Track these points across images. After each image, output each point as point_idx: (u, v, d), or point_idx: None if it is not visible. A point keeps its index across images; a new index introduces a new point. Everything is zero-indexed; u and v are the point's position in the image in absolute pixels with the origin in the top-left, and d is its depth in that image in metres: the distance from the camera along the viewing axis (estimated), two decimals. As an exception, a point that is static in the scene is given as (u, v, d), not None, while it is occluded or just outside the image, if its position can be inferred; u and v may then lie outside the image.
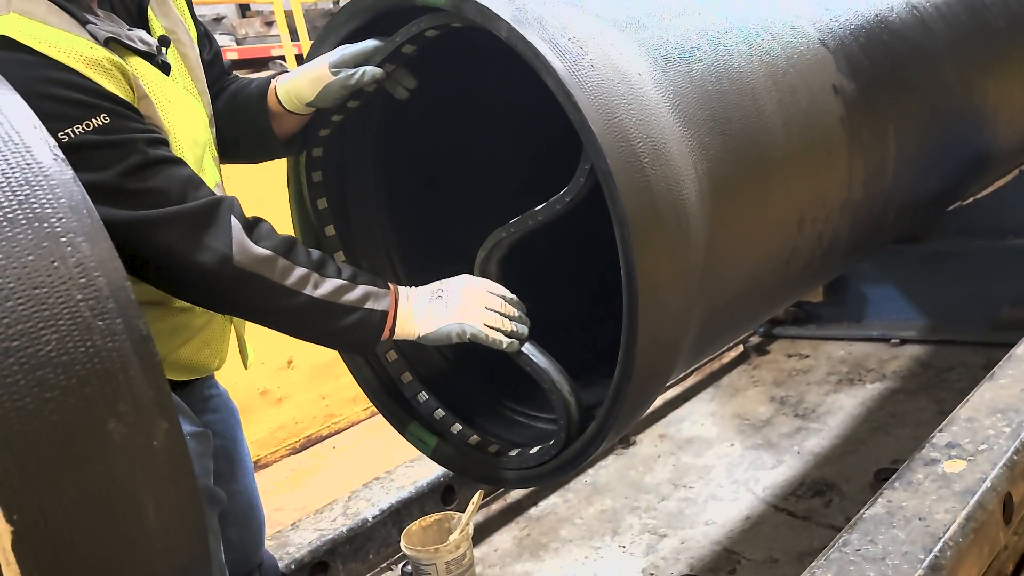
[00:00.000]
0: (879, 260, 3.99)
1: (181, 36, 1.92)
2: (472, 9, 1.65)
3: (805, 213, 2.12)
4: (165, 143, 1.69)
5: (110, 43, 1.66)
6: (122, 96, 1.62)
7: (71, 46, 1.57)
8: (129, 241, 1.53)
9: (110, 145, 1.56)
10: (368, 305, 1.74)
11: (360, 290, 1.74)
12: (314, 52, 1.96)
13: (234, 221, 1.64)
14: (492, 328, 1.79)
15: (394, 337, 1.80)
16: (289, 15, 5.80)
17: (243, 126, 2.04)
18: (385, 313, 1.75)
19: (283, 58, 7.34)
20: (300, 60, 5.71)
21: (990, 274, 3.78)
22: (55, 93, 1.52)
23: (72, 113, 1.53)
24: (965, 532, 1.82)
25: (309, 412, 4.96)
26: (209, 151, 1.92)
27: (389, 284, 1.80)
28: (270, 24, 10.25)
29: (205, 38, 2.08)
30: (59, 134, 1.49)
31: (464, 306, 1.79)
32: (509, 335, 1.81)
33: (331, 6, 10.37)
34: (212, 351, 2.00)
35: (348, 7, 1.87)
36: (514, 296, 1.84)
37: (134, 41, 1.72)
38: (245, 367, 2.17)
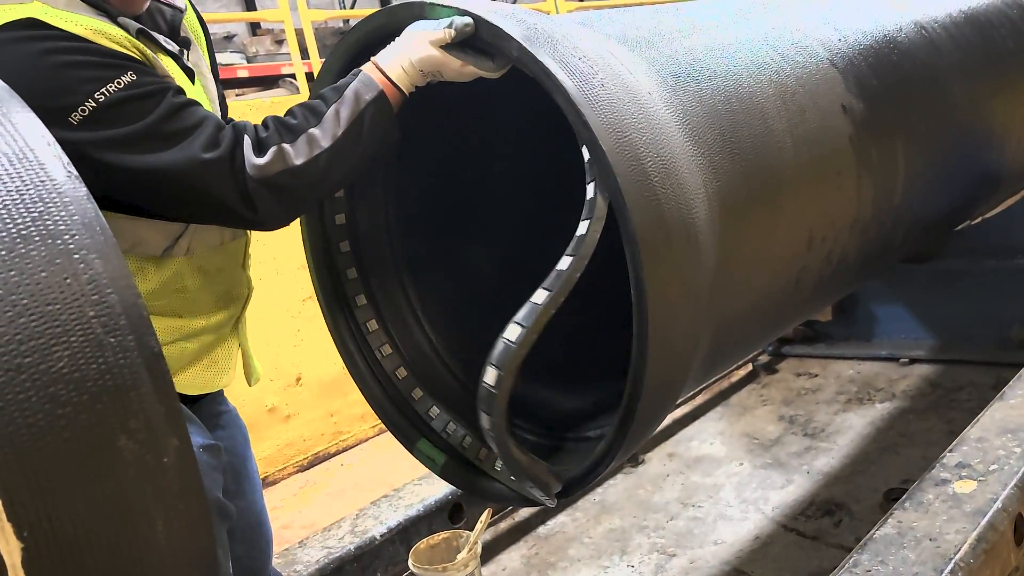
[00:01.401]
0: (888, 279, 3.98)
1: (203, 70, 2.01)
2: (483, 28, 1.65)
3: (814, 232, 2.12)
4: (182, 91, 1.75)
5: (141, 35, 1.75)
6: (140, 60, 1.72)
7: (97, 27, 1.67)
8: (174, 182, 1.65)
9: (144, 96, 1.64)
10: (365, 99, 1.73)
11: (348, 97, 1.74)
12: (324, 72, 1.97)
13: (246, 140, 1.70)
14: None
15: (401, 88, 1.77)
16: (300, 33, 5.82)
17: None
18: (381, 92, 1.74)
19: (293, 76, 7.37)
20: (310, 78, 5.73)
21: (999, 294, 3.77)
22: (81, 60, 1.61)
23: (101, 75, 1.61)
24: (976, 553, 1.81)
25: (317, 429, 4.96)
26: None
27: (369, 65, 1.79)
28: (280, 42, 10.30)
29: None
30: (95, 95, 1.59)
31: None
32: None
33: (341, 24, 10.42)
34: (220, 368, 2.01)
35: (360, 25, 1.88)
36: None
37: (162, 40, 1.81)
38: (250, 384, 2.17)
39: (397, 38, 1.78)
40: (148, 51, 1.75)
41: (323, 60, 2.00)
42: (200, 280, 1.92)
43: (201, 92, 1.91)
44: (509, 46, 1.62)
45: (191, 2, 2.11)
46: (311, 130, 1.71)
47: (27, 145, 1.04)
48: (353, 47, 1.92)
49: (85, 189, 1.06)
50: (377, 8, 3.46)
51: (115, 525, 0.98)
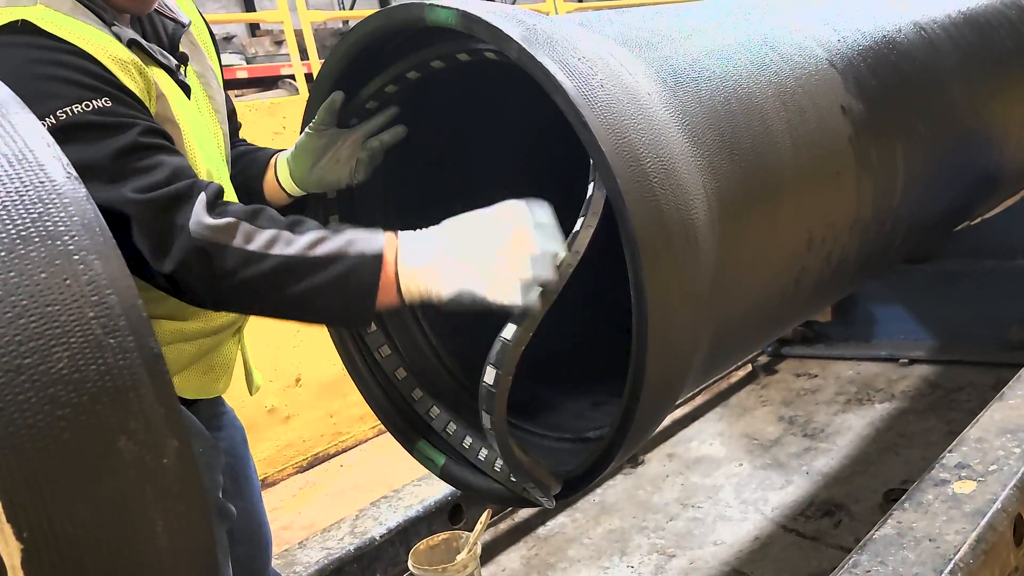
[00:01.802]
0: (888, 280, 3.99)
1: (211, 81, 1.98)
2: (482, 29, 1.65)
3: (814, 233, 2.12)
4: (165, 137, 1.65)
5: (132, 46, 1.69)
6: (134, 90, 1.64)
7: (92, 38, 1.61)
8: (115, 227, 1.47)
9: (105, 127, 1.54)
10: (355, 250, 1.49)
11: (343, 237, 1.51)
12: (323, 73, 1.97)
13: (202, 197, 1.53)
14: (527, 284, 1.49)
15: (403, 294, 1.52)
16: (299, 34, 5.83)
17: (244, 182, 2.05)
18: (379, 256, 1.49)
19: (292, 77, 7.38)
20: (309, 79, 5.74)
21: (999, 294, 3.77)
22: (62, 74, 1.54)
23: (73, 93, 1.53)
24: (976, 553, 1.81)
25: (316, 430, 4.96)
26: (227, 188, 1.91)
27: (386, 232, 1.55)
28: (280, 43, 10.31)
29: (225, 90, 2.12)
30: (57, 112, 1.50)
31: (497, 264, 1.49)
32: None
33: (341, 25, 10.43)
34: (216, 375, 2.00)
35: (359, 27, 1.88)
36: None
37: (155, 52, 1.76)
38: (251, 393, 2.17)
39: (459, 225, 1.52)
40: (140, 62, 1.68)
41: (322, 61, 2.00)
42: None
43: (194, 109, 1.86)
44: (509, 46, 1.62)
45: (202, 15, 2.10)
46: (282, 231, 1.51)
47: (27, 146, 1.04)
48: (352, 48, 1.91)
49: (85, 190, 1.06)
50: (376, 9, 3.47)
51: (115, 526, 0.98)
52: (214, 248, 1.49)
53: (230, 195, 1.93)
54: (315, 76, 2.02)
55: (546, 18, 1.77)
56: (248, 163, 2.09)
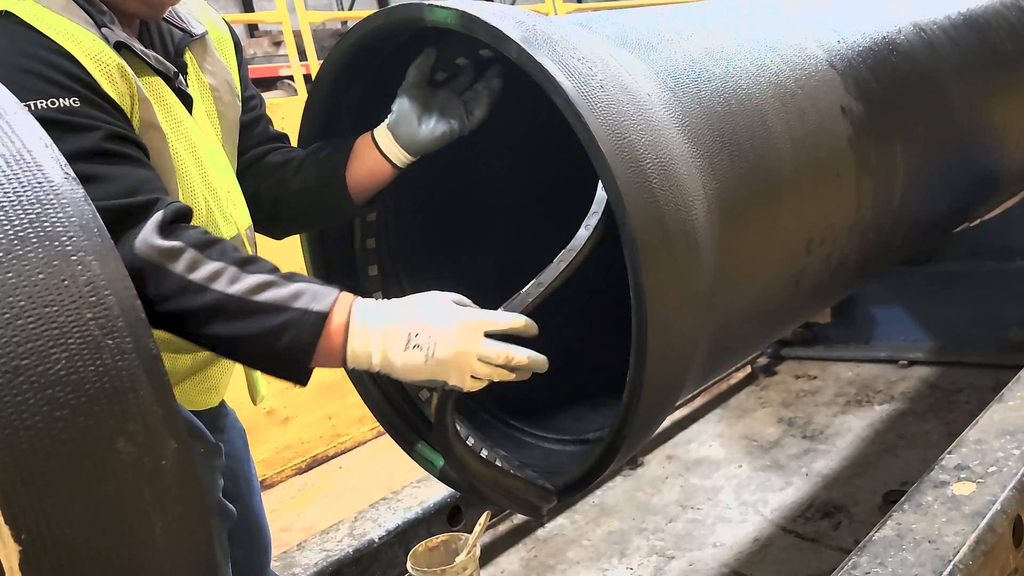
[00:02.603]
0: (887, 281, 3.99)
1: (223, 95, 1.94)
2: (482, 29, 1.65)
3: (813, 234, 2.12)
4: (137, 146, 1.59)
5: (121, 49, 1.64)
6: (111, 93, 1.58)
7: (75, 35, 1.57)
8: None
9: (67, 126, 1.47)
10: (299, 304, 1.44)
11: (292, 287, 1.45)
12: (322, 73, 1.97)
13: (157, 215, 1.46)
14: (478, 380, 1.51)
15: (347, 361, 1.48)
16: (298, 35, 5.82)
17: (316, 179, 1.98)
18: (322, 316, 1.44)
19: (291, 78, 7.38)
20: (308, 80, 5.73)
21: (998, 295, 3.77)
22: (34, 68, 1.49)
23: (40, 88, 1.48)
24: (975, 555, 1.81)
25: (315, 432, 4.96)
26: (228, 199, 1.90)
27: (342, 291, 1.50)
28: (278, 44, 10.32)
29: (255, 100, 2.08)
30: (23, 103, 1.42)
31: (446, 366, 1.49)
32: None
33: (340, 26, 10.43)
34: (210, 385, 1.98)
35: (358, 26, 1.88)
36: (519, 324, 1.54)
37: (148, 57, 1.71)
38: (255, 403, 2.15)
39: (423, 338, 1.47)
40: (124, 66, 1.62)
41: (321, 62, 2.00)
42: None
43: (193, 123, 1.81)
44: (508, 47, 1.62)
45: (230, 27, 2.06)
46: (231, 267, 1.44)
47: (24, 146, 1.04)
48: (352, 48, 1.91)
49: (83, 191, 1.06)
50: (375, 9, 3.46)
51: (113, 528, 0.98)
52: (153, 270, 1.42)
53: (236, 204, 1.91)
54: (314, 77, 2.01)
55: (545, 19, 1.77)
56: (320, 160, 2.00)
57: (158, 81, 1.74)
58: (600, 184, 1.60)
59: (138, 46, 1.70)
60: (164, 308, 1.42)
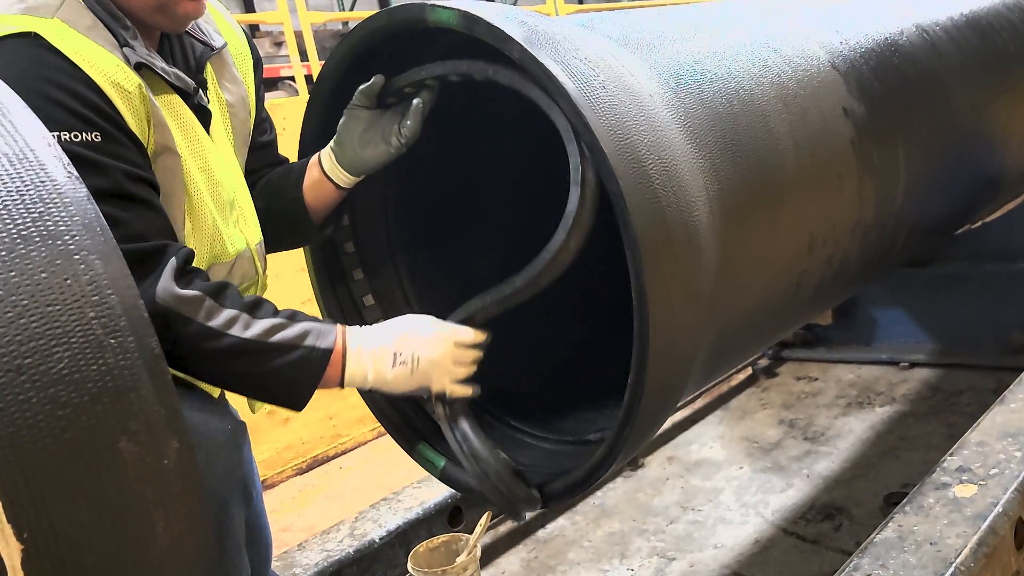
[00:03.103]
0: (889, 283, 3.98)
1: (239, 111, 1.97)
2: (484, 30, 1.65)
3: (815, 235, 2.12)
4: (152, 186, 1.67)
5: (141, 69, 1.68)
6: (131, 120, 1.63)
7: (98, 62, 1.60)
8: None
9: (90, 163, 1.54)
10: (308, 342, 1.64)
11: (298, 327, 1.64)
12: (324, 74, 1.97)
13: (172, 263, 1.59)
14: (460, 384, 1.77)
15: (344, 383, 1.70)
16: (299, 35, 5.82)
17: (276, 201, 2.04)
18: (328, 352, 1.65)
19: (292, 78, 7.38)
20: (309, 81, 5.72)
21: (1000, 298, 3.76)
22: (60, 98, 1.54)
23: (64, 120, 1.53)
24: (977, 557, 1.81)
25: (316, 432, 4.95)
26: (240, 215, 1.92)
27: (337, 324, 1.71)
28: (279, 44, 10.32)
29: (266, 123, 2.12)
30: None
31: (429, 374, 1.73)
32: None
33: (341, 27, 10.43)
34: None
35: (360, 27, 1.88)
36: (480, 338, 1.78)
37: (168, 75, 1.74)
38: (253, 412, 2.16)
39: (406, 356, 1.71)
40: (143, 88, 1.65)
41: (322, 62, 2.00)
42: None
43: (209, 140, 1.84)
44: (510, 47, 1.62)
45: (248, 37, 2.08)
46: (243, 314, 1.61)
47: (27, 145, 1.04)
48: (353, 49, 1.91)
49: (85, 190, 1.06)
50: (376, 10, 3.46)
51: (115, 527, 0.98)
52: (175, 318, 1.56)
53: (247, 219, 1.94)
54: (315, 77, 2.01)
55: (548, 19, 1.77)
56: (280, 176, 2.07)
57: (176, 99, 1.76)
58: (571, 191, 1.62)
59: (159, 65, 1.73)
60: (184, 351, 1.57)
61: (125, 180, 1.59)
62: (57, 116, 1.52)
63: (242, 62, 2.01)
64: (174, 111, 1.75)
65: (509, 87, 1.70)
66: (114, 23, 1.67)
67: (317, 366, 1.64)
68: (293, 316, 1.66)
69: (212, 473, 1.69)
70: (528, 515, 1.91)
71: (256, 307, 1.64)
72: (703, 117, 1.82)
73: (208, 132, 1.84)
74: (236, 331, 1.59)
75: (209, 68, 1.90)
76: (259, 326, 1.61)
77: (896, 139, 2.38)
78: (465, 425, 1.82)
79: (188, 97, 1.78)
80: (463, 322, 1.79)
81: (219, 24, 1.96)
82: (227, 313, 1.60)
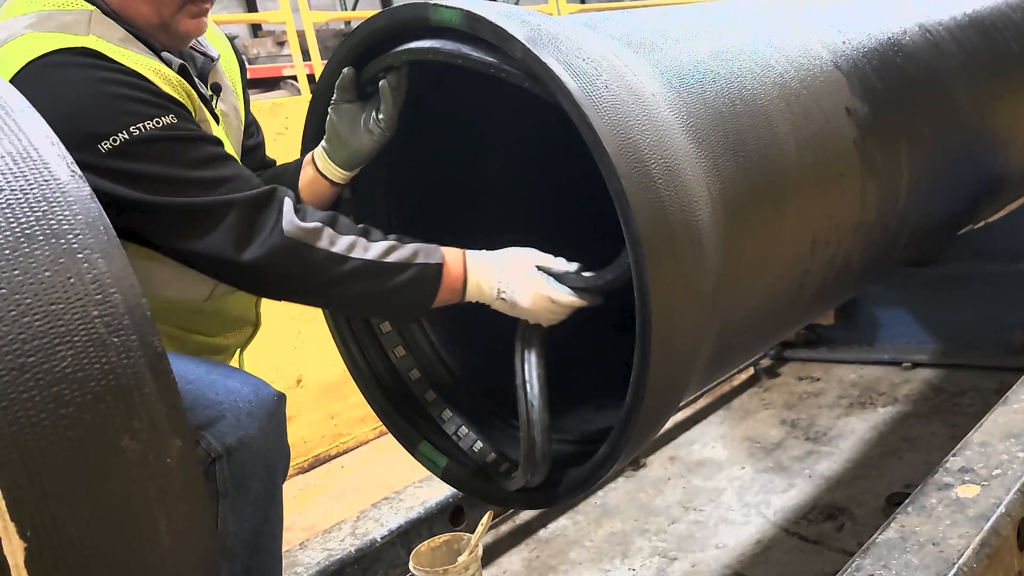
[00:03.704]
0: (891, 283, 3.98)
1: (232, 119, 2.04)
2: (487, 29, 1.65)
3: (818, 235, 2.12)
4: (223, 147, 1.79)
5: (181, 73, 1.80)
6: (187, 107, 1.76)
7: (144, 62, 1.71)
8: (195, 229, 1.66)
9: (180, 139, 1.67)
10: (420, 260, 1.75)
11: (410, 247, 1.75)
12: (326, 74, 1.97)
13: (287, 201, 1.71)
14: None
15: (466, 296, 1.81)
16: (301, 35, 5.82)
17: None
18: (440, 267, 1.76)
19: (294, 78, 7.37)
20: (312, 80, 5.72)
21: (1002, 298, 3.76)
22: (129, 93, 1.64)
23: (142, 111, 1.64)
24: (979, 558, 1.80)
25: (317, 431, 4.95)
26: None
27: (454, 249, 1.82)
28: (282, 44, 10.32)
29: (253, 126, 2.20)
30: (130, 128, 1.61)
31: (525, 315, 1.83)
32: None
33: (343, 26, 10.43)
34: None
35: (363, 26, 1.88)
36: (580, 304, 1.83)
37: (196, 82, 1.85)
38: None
39: (508, 295, 1.80)
40: (188, 87, 1.78)
41: (324, 62, 2.00)
42: (212, 307, 1.97)
43: (223, 138, 1.92)
44: (513, 47, 1.61)
45: (235, 48, 2.17)
46: (360, 238, 1.73)
47: (31, 144, 1.04)
48: (355, 49, 1.91)
49: (89, 188, 1.06)
50: (379, 9, 3.46)
51: (118, 526, 0.98)
52: (303, 247, 1.68)
53: None
54: (318, 77, 2.02)
55: (550, 18, 1.77)
56: (274, 177, 2.10)
57: (200, 104, 1.85)
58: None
59: (193, 73, 1.85)
60: (315, 279, 1.71)
61: (215, 145, 1.75)
62: (133, 109, 1.63)
63: (231, 70, 2.06)
64: (204, 115, 1.85)
65: (477, 69, 1.72)
66: (148, 37, 1.79)
67: (433, 280, 1.76)
68: (401, 238, 1.78)
69: (266, 441, 1.79)
70: (529, 515, 1.92)
71: (368, 232, 1.76)
72: (706, 117, 1.82)
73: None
74: (358, 253, 1.71)
75: (210, 78, 1.98)
76: (377, 248, 1.73)
77: (899, 139, 2.38)
78: (535, 369, 1.87)
79: (207, 102, 1.89)
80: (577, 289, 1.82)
81: (207, 34, 2.00)
82: (347, 239, 1.72)
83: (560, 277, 1.81)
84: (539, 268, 1.81)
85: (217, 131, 1.89)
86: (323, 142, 2.00)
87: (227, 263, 1.68)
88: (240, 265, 1.68)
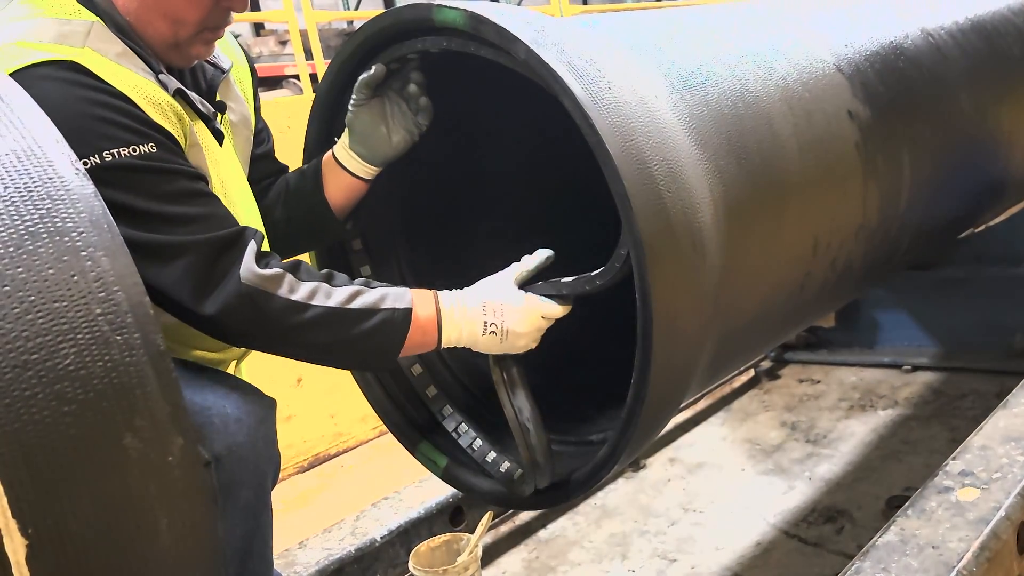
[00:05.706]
0: (892, 286, 3.98)
1: (242, 130, 2.01)
2: (490, 30, 1.65)
3: (820, 238, 2.12)
4: (204, 180, 1.73)
5: (177, 95, 1.72)
6: (174, 135, 1.68)
7: (136, 83, 1.64)
8: (153, 266, 1.56)
9: (154, 170, 1.60)
10: (387, 305, 1.68)
11: (376, 292, 1.69)
12: (328, 74, 1.97)
13: (251, 246, 1.64)
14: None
15: (441, 344, 1.75)
16: (304, 34, 5.81)
17: (297, 206, 2.08)
18: (408, 311, 1.69)
19: (297, 77, 7.38)
20: (314, 79, 5.72)
21: (1003, 302, 3.76)
22: (110, 116, 1.58)
23: (120, 136, 1.57)
24: (979, 561, 1.80)
25: (318, 431, 4.95)
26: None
27: (426, 291, 1.76)
28: (284, 43, 10.32)
29: (263, 133, 2.16)
30: (103, 153, 1.55)
31: (515, 344, 1.78)
32: None
33: (346, 26, 10.44)
34: None
35: (367, 26, 1.88)
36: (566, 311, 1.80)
37: (196, 102, 1.78)
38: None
39: (499, 327, 1.75)
40: (184, 113, 1.72)
41: (327, 61, 2.00)
42: None
43: (226, 155, 1.88)
44: (516, 48, 1.62)
45: (247, 56, 2.13)
46: (322, 284, 1.66)
47: (35, 142, 1.05)
48: (358, 48, 1.91)
49: (93, 187, 1.06)
50: (382, 9, 3.46)
51: (119, 523, 0.98)
52: (261, 296, 1.61)
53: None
54: (320, 76, 2.02)
55: (554, 20, 1.77)
56: (295, 184, 2.10)
57: (200, 125, 1.80)
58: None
59: (192, 94, 1.77)
60: (275, 328, 1.64)
61: (192, 180, 1.67)
62: (110, 133, 1.57)
63: (242, 79, 2.04)
64: (203, 136, 1.79)
65: (488, 59, 1.72)
66: (147, 54, 1.72)
67: (400, 325, 1.69)
68: (367, 283, 1.71)
69: (255, 448, 1.74)
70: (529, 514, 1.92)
71: (331, 277, 1.69)
72: (708, 119, 1.82)
73: (223, 153, 1.88)
74: (319, 300, 1.64)
75: (219, 94, 1.93)
76: (340, 294, 1.66)
77: (900, 142, 2.38)
78: (523, 395, 1.85)
79: (209, 121, 1.82)
80: (552, 297, 1.78)
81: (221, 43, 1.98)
82: (308, 286, 1.64)
83: (550, 286, 1.79)
84: (519, 286, 1.78)
85: (217, 153, 1.83)
86: (347, 141, 1.99)
87: (187, 311, 1.62)
88: (200, 317, 1.61)
